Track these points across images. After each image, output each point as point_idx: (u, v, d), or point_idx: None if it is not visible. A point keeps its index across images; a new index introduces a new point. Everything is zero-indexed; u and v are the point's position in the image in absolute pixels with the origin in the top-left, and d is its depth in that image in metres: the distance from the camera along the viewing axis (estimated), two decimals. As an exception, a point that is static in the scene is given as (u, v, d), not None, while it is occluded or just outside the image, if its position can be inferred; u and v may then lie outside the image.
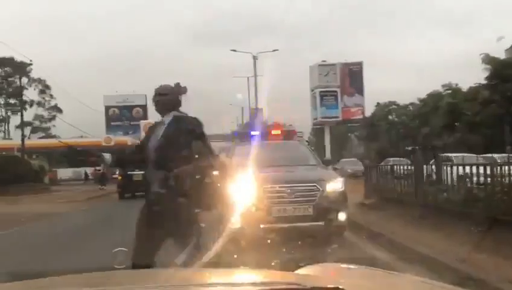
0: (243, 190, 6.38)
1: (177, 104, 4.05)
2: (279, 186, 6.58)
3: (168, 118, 3.89)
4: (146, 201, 3.90)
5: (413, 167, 9.60)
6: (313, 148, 12.65)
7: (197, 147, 3.73)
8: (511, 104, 25.60)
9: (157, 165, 3.71)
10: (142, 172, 18.76)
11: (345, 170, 21.79)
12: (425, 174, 8.76)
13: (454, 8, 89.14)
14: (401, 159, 24.57)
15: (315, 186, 6.61)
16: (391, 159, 25.18)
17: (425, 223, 7.38)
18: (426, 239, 6.37)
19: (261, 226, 6.28)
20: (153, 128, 4.19)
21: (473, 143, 25.57)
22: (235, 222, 6.19)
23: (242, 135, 10.95)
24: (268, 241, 6.05)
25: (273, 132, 10.17)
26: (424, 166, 9.04)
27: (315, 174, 7.32)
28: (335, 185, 6.84)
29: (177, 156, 3.64)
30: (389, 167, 11.40)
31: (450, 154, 18.13)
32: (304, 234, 6.32)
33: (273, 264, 2.71)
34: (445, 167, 8.23)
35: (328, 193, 6.66)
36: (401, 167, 10.37)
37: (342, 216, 6.69)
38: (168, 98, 3.98)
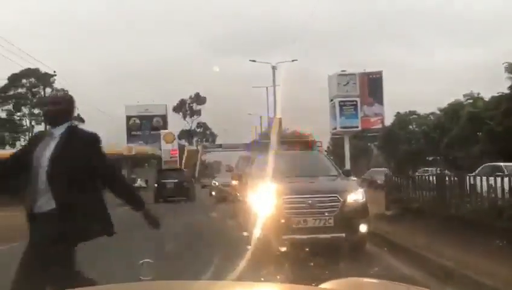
0: (263, 200, 6.49)
1: (71, 115, 3.43)
2: (300, 197, 6.52)
3: (59, 130, 3.30)
4: (32, 239, 3.16)
5: (435, 177, 9.48)
6: (331, 158, 12.56)
7: (100, 165, 3.30)
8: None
9: (51, 190, 3.06)
10: (175, 180, 20.70)
11: (374, 180, 21.47)
12: (447, 184, 8.62)
13: (477, 18, 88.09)
14: (429, 169, 24.11)
15: (336, 197, 6.55)
16: (427, 169, 24.56)
17: (450, 235, 7.26)
18: (450, 252, 6.27)
19: (282, 237, 6.21)
20: (36, 140, 3.47)
21: (497, 153, 25.06)
22: (255, 232, 6.19)
23: (262, 145, 10.87)
24: (289, 252, 6.04)
25: (292, 140, 10.13)
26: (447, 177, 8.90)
27: (336, 184, 7.27)
28: (356, 196, 6.78)
29: (74, 177, 3.08)
30: (410, 177, 11.24)
31: (500, 164, 16.32)
32: (324, 245, 6.29)
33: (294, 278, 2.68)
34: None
35: (349, 204, 6.59)
36: (424, 177, 10.24)
37: (363, 228, 6.61)
38: (62, 107, 3.35)
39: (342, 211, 6.47)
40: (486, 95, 35.19)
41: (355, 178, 11.85)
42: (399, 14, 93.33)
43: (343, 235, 6.40)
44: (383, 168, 29.75)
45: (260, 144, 11.41)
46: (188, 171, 35.59)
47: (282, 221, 6.30)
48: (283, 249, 6.09)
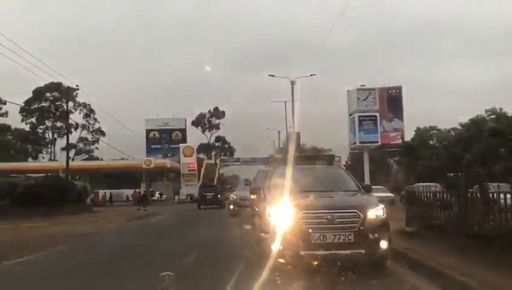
0: (282, 215, 6.43)
1: None
2: (319, 212, 6.41)
3: None
4: None
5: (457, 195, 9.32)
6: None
7: None
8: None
9: None
10: (212, 193, 30.16)
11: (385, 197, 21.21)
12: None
13: (498, 34, 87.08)
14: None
15: (356, 212, 6.43)
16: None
17: (470, 252, 7.11)
18: (469, 269, 6.13)
19: (301, 252, 6.14)
20: None
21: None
22: (273, 247, 6.19)
23: (280, 159, 10.78)
24: (308, 268, 5.99)
25: (311, 154, 9.99)
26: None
27: (356, 200, 7.18)
28: (376, 211, 6.64)
29: None
30: (431, 193, 11.05)
31: None
32: (344, 261, 6.19)
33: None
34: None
35: (370, 220, 6.47)
36: (445, 195, 10.07)
37: (383, 244, 6.45)
38: None
39: (362, 227, 6.35)
40: (509, 111, 34.64)
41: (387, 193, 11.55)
42: (417, 30, 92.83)
43: (363, 251, 6.27)
44: (381, 186, 29.05)
45: (279, 158, 11.28)
46: (220, 187, 40.15)
47: (301, 236, 6.20)
48: (301, 264, 6.02)
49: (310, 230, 6.25)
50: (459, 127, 44.07)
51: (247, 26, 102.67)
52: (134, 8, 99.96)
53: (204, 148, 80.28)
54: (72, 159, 56.32)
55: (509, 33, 79.47)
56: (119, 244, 12.07)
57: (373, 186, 11.74)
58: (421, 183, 30.85)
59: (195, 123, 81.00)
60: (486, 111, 37.48)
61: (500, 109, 36.08)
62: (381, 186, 28.64)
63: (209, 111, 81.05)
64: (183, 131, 73.55)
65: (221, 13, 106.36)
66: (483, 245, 7.09)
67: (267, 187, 8.17)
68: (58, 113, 62.64)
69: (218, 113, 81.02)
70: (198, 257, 8.50)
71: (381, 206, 6.82)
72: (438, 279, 5.92)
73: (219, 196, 33.60)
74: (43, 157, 65.74)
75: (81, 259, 9.56)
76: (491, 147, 33.14)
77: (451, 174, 44.12)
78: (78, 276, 7.26)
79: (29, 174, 40.57)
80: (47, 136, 66.61)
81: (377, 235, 6.39)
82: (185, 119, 74.93)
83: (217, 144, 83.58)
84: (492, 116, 36.11)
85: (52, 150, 65.98)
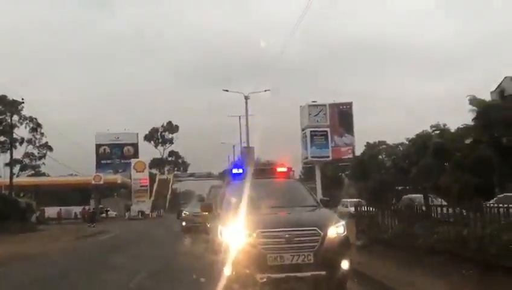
0: (235, 234, 5.88)
1: None
2: (276, 231, 5.86)
3: None
4: None
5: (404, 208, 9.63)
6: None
7: None
8: (498, 146, 25.92)
9: None
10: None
11: (348, 211, 21.40)
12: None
13: (443, 51, 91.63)
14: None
15: (315, 230, 5.90)
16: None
17: (417, 265, 7.34)
18: (419, 281, 6.32)
19: (256, 276, 5.65)
20: None
21: (464, 184, 25.67)
22: (226, 270, 5.71)
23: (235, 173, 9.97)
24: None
25: (279, 169, 8.45)
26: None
27: (315, 216, 6.57)
28: (337, 229, 6.11)
29: None
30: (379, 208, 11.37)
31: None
32: (303, 284, 5.85)
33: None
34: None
35: (330, 239, 5.94)
36: (392, 208, 10.38)
37: (345, 264, 5.95)
38: None
39: (323, 246, 5.84)
40: (454, 126, 36.29)
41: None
42: (368, 47, 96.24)
43: (324, 273, 5.80)
44: (356, 199, 29.59)
45: (232, 173, 10.42)
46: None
47: (256, 258, 5.70)
48: (256, 289, 5.62)
49: (266, 251, 5.74)
50: (407, 142, 45.69)
51: (201, 42, 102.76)
52: (86, 20, 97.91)
53: (157, 163, 78.97)
54: (17, 175, 53.88)
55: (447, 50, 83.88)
56: (62, 265, 11.58)
57: (349, 200, 11.63)
58: (345, 200, 31.88)
59: (148, 138, 79.78)
60: (431, 127, 39.05)
61: (444, 125, 37.71)
62: (356, 200, 28.33)
63: (162, 125, 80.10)
64: (135, 146, 72.16)
65: (175, 29, 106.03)
66: (428, 257, 7.34)
67: (219, 204, 7.55)
68: (1, 127, 59.81)
69: (171, 127, 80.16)
70: (141, 282, 8.03)
71: (342, 222, 6.32)
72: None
73: None
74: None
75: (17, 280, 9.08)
76: (436, 161, 34.52)
77: (399, 188, 45.61)
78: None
79: (-31, 191, 38.33)
80: (-11, 150, 63.41)
81: (338, 254, 5.93)
82: (137, 134, 73.66)
83: (170, 159, 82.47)
84: (437, 132, 37.68)
85: (-5, 165, 62.81)
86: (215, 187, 14.32)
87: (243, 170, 8.66)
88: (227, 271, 5.69)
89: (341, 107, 49.27)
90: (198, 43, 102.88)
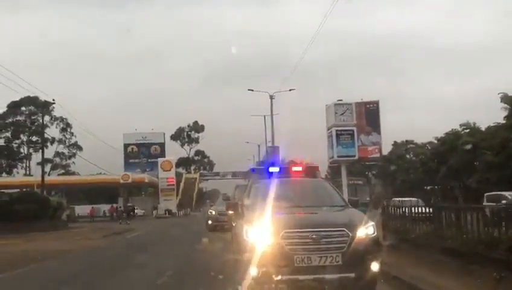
0: (261, 234, 5.76)
1: None
2: (303, 231, 5.71)
3: None
4: None
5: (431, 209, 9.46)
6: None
7: None
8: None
9: None
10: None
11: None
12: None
13: (472, 48, 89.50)
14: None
15: (344, 231, 5.72)
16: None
17: (445, 266, 7.20)
18: (445, 284, 6.20)
19: (282, 278, 5.50)
20: None
21: (493, 184, 25.07)
22: (251, 270, 5.60)
23: (260, 172, 9.37)
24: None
25: (294, 169, 8.35)
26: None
27: (344, 217, 6.34)
28: (367, 230, 5.91)
29: None
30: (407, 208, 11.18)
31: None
32: (331, 287, 5.67)
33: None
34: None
35: (359, 239, 5.75)
36: (420, 209, 10.19)
37: (374, 266, 5.74)
38: None
39: (351, 247, 5.65)
40: (483, 124, 35.47)
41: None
42: (396, 46, 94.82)
43: (353, 275, 5.60)
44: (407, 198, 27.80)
45: (258, 171, 10.26)
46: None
47: (282, 259, 5.54)
48: None
49: (293, 252, 5.57)
50: (435, 141, 44.93)
51: (227, 42, 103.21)
52: (113, 23, 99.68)
53: (183, 162, 79.75)
54: (48, 174, 55.29)
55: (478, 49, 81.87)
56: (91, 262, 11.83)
57: (406, 199, 10.91)
58: (397, 198, 30.60)
59: (174, 137, 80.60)
60: (460, 125, 38.30)
61: (474, 124, 36.92)
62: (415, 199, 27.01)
63: (189, 125, 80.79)
64: (161, 145, 73.06)
65: (202, 30, 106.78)
66: (457, 258, 7.20)
67: (244, 203, 7.41)
68: (33, 128, 61.56)
69: (197, 127, 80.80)
70: (167, 280, 8.06)
71: (372, 223, 6.11)
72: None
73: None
74: (18, 172, 64.43)
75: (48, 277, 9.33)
76: (466, 161, 33.81)
77: (428, 188, 44.88)
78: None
79: (2, 190, 39.56)
80: (22, 150, 65.30)
81: (367, 256, 5.72)
82: (164, 133, 74.54)
83: (196, 158, 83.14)
84: (467, 131, 36.91)
85: (28, 164, 64.72)
86: (240, 186, 14.32)
87: (280, 168, 8.62)
88: (253, 272, 5.56)
89: (367, 105, 48.65)
90: (223, 43, 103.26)
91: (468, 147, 32.58)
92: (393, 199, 29.78)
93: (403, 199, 25.52)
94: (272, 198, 6.54)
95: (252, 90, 37.30)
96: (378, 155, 48.86)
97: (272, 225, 5.79)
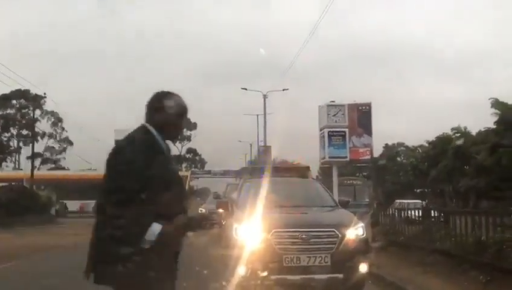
0: (250, 233, 5.71)
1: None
2: (293, 231, 5.70)
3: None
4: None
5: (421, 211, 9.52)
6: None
7: None
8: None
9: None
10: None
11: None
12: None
13: (463, 53, 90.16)
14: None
15: (334, 231, 5.72)
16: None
17: (433, 269, 7.24)
18: (433, 285, 6.23)
19: (271, 277, 5.45)
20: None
21: (482, 187, 25.28)
22: (240, 269, 5.53)
23: (252, 170, 9.50)
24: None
25: (285, 168, 8.34)
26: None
27: (333, 217, 6.40)
28: (356, 231, 5.90)
29: None
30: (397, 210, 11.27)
31: None
32: (319, 287, 5.68)
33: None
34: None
35: (349, 240, 5.74)
36: (410, 212, 10.26)
37: (363, 268, 5.73)
38: None
39: (341, 248, 5.64)
40: (474, 129, 35.74)
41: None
42: (389, 49, 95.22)
43: (341, 276, 5.60)
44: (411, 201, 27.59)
45: (250, 170, 10.26)
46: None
47: (271, 258, 5.53)
48: None
49: (282, 251, 5.57)
50: (426, 145, 45.20)
51: (220, 42, 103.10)
52: (105, 19, 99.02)
53: (175, 160, 79.41)
54: (38, 169, 54.83)
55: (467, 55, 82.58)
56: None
57: (409, 201, 11.08)
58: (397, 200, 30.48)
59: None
60: (452, 129, 38.55)
61: (465, 128, 37.17)
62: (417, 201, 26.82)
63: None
64: (153, 142, 72.83)
65: (195, 28, 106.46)
66: (444, 261, 7.25)
67: (235, 201, 7.46)
68: (24, 121, 61.04)
69: (189, 124, 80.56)
70: None
71: (361, 224, 6.10)
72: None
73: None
74: (7, 166, 63.83)
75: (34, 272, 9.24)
76: (456, 165, 34.06)
77: (418, 190, 45.14)
78: None
79: (-9, 184, 39.23)
80: (12, 144, 64.71)
81: (356, 257, 5.72)
82: (156, 130, 74.29)
83: (188, 156, 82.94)
84: (458, 135, 37.17)
85: (17, 158, 64.17)
86: (231, 185, 14.33)
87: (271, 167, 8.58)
88: (241, 270, 5.51)
89: (360, 107, 48.86)
90: (217, 42, 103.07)
91: (460, 142, 32.90)
92: (396, 201, 29.92)
93: (407, 201, 25.72)
94: (262, 197, 6.48)
95: (246, 89, 37.33)
96: (369, 157, 49.24)
97: (261, 224, 5.75)
